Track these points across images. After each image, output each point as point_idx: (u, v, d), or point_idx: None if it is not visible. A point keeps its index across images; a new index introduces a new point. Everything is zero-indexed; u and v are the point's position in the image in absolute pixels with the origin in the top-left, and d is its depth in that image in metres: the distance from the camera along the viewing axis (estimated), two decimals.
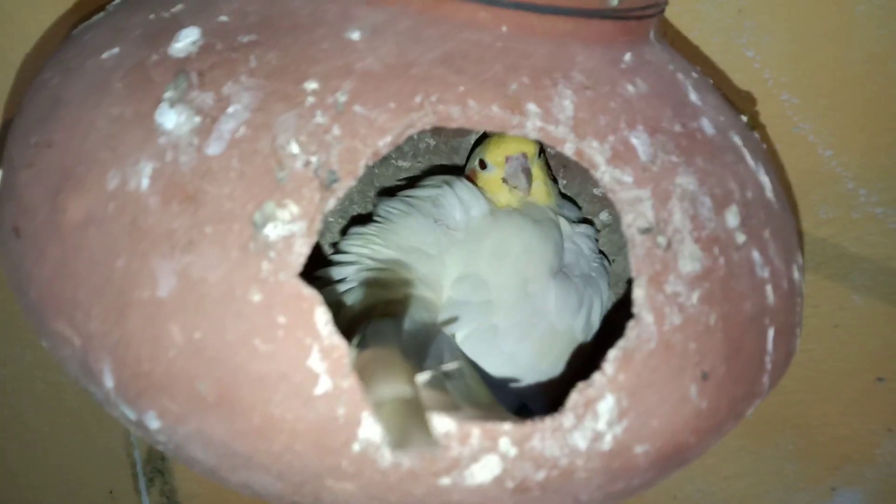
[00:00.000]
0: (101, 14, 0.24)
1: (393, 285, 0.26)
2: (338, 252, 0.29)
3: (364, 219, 0.33)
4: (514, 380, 0.26)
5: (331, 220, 0.34)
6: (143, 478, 0.55)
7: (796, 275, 0.23)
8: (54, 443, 0.56)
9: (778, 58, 0.42)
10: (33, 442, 0.55)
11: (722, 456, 0.53)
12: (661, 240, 0.18)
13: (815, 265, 0.47)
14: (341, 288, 0.27)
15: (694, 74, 0.24)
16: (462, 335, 0.26)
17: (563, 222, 0.30)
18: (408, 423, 0.14)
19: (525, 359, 0.26)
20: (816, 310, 0.48)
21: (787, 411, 0.52)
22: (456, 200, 0.29)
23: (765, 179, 0.23)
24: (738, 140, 0.23)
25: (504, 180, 0.29)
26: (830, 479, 0.54)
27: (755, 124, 0.28)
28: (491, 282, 0.27)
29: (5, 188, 0.21)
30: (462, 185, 0.30)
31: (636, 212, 0.18)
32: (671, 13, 0.39)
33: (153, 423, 0.18)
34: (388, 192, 0.34)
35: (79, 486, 0.57)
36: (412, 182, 0.33)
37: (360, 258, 0.28)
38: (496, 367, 0.26)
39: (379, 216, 0.30)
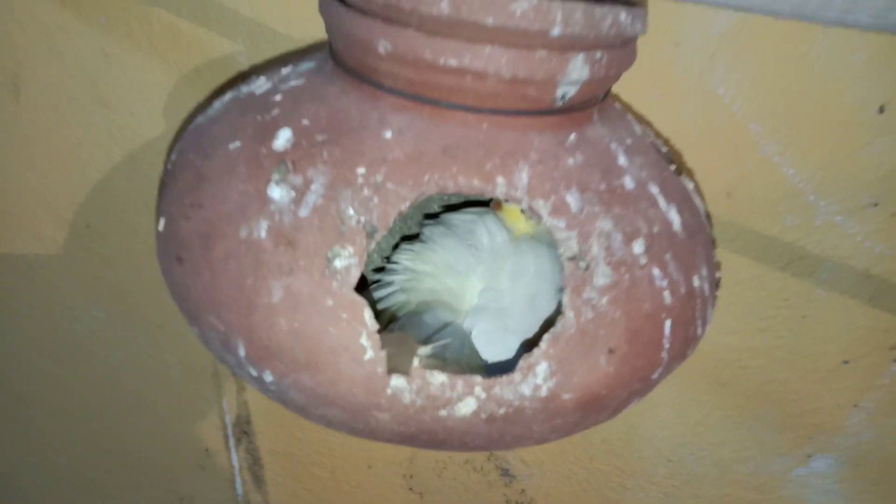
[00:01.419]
0: (220, 107, 0.36)
1: (425, 292, 0.37)
2: (391, 262, 0.40)
3: (414, 237, 0.43)
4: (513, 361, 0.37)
5: (388, 237, 0.45)
6: (232, 438, 0.68)
7: (696, 283, 0.33)
8: (162, 410, 0.68)
9: (745, 93, 0.50)
10: (145, 409, 0.68)
11: (710, 425, 0.62)
12: (582, 264, 0.29)
13: (784, 265, 0.56)
14: (391, 290, 0.38)
15: (629, 141, 0.34)
16: (480, 330, 0.36)
17: None
18: (398, 365, 0.26)
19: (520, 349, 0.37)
20: (786, 303, 0.57)
21: (766, 388, 0.60)
22: (484, 229, 0.40)
23: (674, 217, 0.33)
24: (654, 189, 0.33)
25: (522, 211, 0.39)
26: (806, 446, 0.63)
27: (680, 170, 0.38)
28: (507, 294, 0.37)
29: (169, 231, 0.32)
30: (490, 216, 0.40)
31: (566, 246, 0.29)
32: (653, 58, 0.48)
33: (268, 378, 0.29)
34: (434, 216, 0.44)
35: (181, 444, 0.70)
36: (453, 208, 0.44)
37: (405, 269, 0.39)
38: (503, 353, 0.36)
39: (424, 236, 0.41)
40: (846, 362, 0.59)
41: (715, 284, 0.36)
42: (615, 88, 0.49)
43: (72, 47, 0.51)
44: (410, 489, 0.70)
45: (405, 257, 0.38)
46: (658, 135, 0.48)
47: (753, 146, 0.52)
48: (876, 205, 0.53)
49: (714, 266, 0.36)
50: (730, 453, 0.63)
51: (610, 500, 0.68)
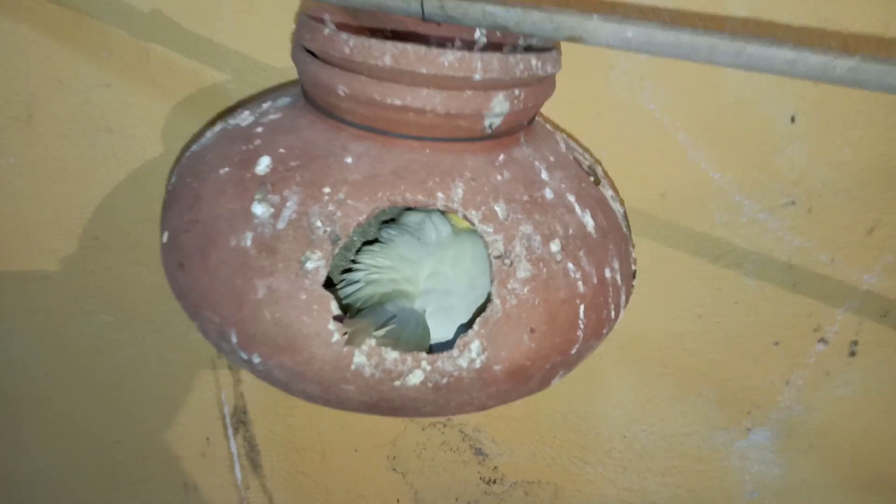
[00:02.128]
0: (211, 137, 0.43)
1: (386, 283, 0.44)
2: (356, 262, 0.47)
3: (375, 241, 0.51)
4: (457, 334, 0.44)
5: (355, 239, 0.52)
6: (231, 427, 0.75)
7: (608, 275, 0.40)
8: (165, 404, 0.75)
9: (672, 108, 0.57)
10: (150, 404, 0.75)
11: (657, 403, 0.70)
12: (507, 261, 0.36)
13: (715, 258, 0.63)
14: (358, 286, 0.45)
15: (552, 158, 0.41)
16: (430, 310, 0.43)
17: None
18: (355, 341, 0.33)
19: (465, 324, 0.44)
20: (719, 291, 0.64)
21: (704, 368, 0.67)
22: (431, 225, 0.47)
23: (588, 220, 0.40)
24: (571, 198, 0.40)
25: None
26: (744, 420, 0.70)
27: (598, 181, 0.45)
28: (451, 277, 0.45)
29: (171, 242, 0.39)
30: (436, 214, 0.47)
31: (493, 247, 0.36)
32: (590, 81, 0.55)
33: (256, 360, 0.36)
34: (391, 221, 0.52)
35: (184, 434, 0.76)
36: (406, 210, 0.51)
37: (367, 266, 0.46)
38: (449, 329, 0.43)
39: (381, 237, 0.48)
40: (777, 343, 0.66)
41: (629, 276, 0.43)
42: (558, 109, 0.56)
43: (78, 79, 0.58)
44: (394, 469, 0.77)
45: (366, 256, 0.45)
46: (586, 149, 0.55)
47: (682, 154, 0.59)
48: (793, 203, 0.60)
49: (628, 260, 0.43)
50: (677, 428, 0.71)
51: (573, 473, 0.75)
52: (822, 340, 0.65)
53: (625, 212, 0.47)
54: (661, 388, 0.69)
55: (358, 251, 0.49)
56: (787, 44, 0.33)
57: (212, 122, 0.50)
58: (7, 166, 0.62)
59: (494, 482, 0.77)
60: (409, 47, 0.33)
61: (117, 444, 0.77)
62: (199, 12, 0.55)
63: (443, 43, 0.46)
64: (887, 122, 0.55)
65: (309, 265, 0.35)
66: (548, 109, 0.55)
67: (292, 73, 0.56)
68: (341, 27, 0.44)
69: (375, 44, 0.34)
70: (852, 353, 0.66)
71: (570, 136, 0.55)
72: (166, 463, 0.77)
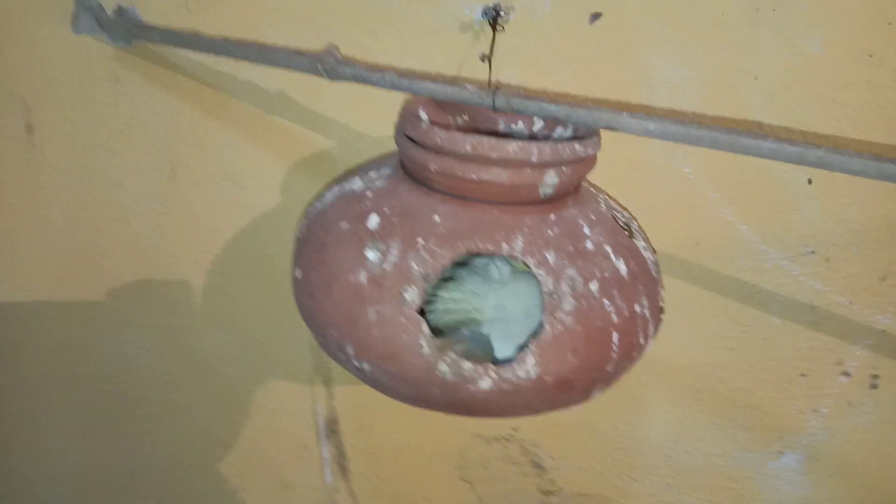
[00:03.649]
0: (330, 198, 0.56)
1: (458, 312, 0.56)
2: (436, 295, 0.59)
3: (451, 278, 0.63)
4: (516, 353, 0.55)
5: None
6: (324, 436, 0.87)
7: (637, 309, 0.51)
8: (269, 411, 0.88)
9: (704, 170, 0.68)
10: (255, 411, 0.88)
11: (693, 426, 0.79)
12: (555, 296, 0.47)
13: (743, 298, 0.73)
14: (438, 312, 0.57)
15: (593, 217, 0.53)
16: (495, 334, 0.55)
17: None
18: (440, 354, 0.45)
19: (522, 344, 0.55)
20: (748, 328, 0.74)
21: (736, 396, 0.76)
22: (495, 267, 0.58)
23: (622, 266, 0.51)
24: (608, 248, 0.51)
25: None
26: (776, 443, 0.78)
27: (631, 234, 0.56)
28: (510, 309, 0.56)
29: (303, 278, 0.52)
30: (498, 258, 0.59)
31: (545, 285, 0.48)
32: (631, 148, 0.66)
33: (366, 367, 0.49)
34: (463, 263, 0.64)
35: (284, 440, 0.89)
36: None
37: (445, 299, 0.58)
38: (510, 349, 0.55)
39: (455, 276, 0.60)
40: (803, 375, 0.74)
41: (657, 311, 0.54)
42: (605, 171, 0.67)
43: (214, 142, 0.73)
44: (462, 479, 0.88)
45: (444, 290, 0.57)
46: (624, 208, 0.66)
47: (712, 209, 0.70)
48: (813, 252, 0.69)
49: (656, 299, 0.54)
50: (712, 449, 0.79)
51: (621, 489, 0.84)
52: (845, 373, 0.73)
53: (655, 259, 0.58)
54: (695, 412, 0.78)
55: (438, 286, 0.60)
56: (768, 137, 0.44)
57: (328, 185, 0.64)
58: (153, 211, 0.78)
59: (552, 493, 0.87)
60: (484, 139, 0.46)
61: (224, 447, 0.91)
62: (313, 91, 0.69)
63: (511, 123, 0.59)
64: (888, 186, 0.64)
65: (407, 296, 0.47)
66: (596, 171, 0.67)
67: (386, 141, 0.70)
68: (432, 112, 0.57)
69: (459, 136, 0.46)
70: (873, 386, 0.74)
71: (610, 196, 0.66)
72: (268, 465, 0.90)
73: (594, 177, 0.67)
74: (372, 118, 0.69)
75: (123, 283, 0.81)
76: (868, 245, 0.68)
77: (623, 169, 0.68)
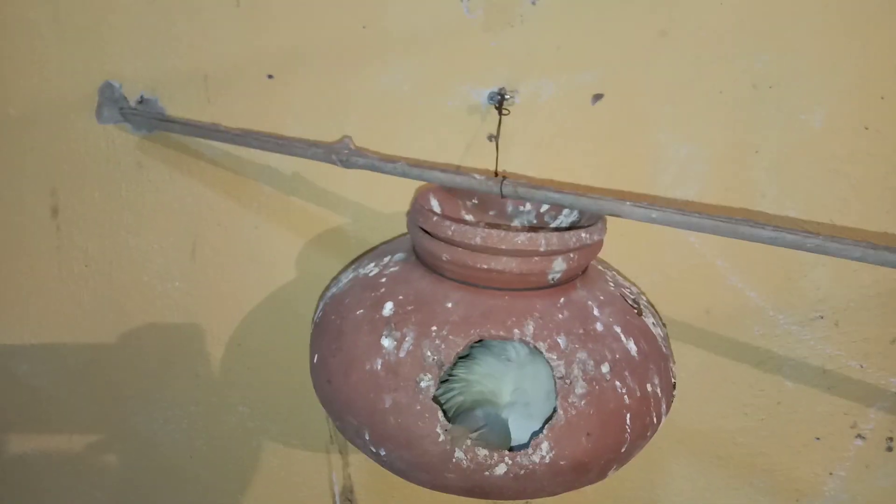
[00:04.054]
0: (346, 283, 0.58)
1: (474, 394, 0.57)
2: (452, 375, 0.60)
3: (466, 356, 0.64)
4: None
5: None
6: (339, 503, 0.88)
7: (649, 389, 0.52)
8: (288, 480, 0.89)
9: (710, 241, 0.69)
10: (275, 479, 0.89)
11: (715, 491, 0.79)
12: (567, 381, 0.49)
13: (756, 363, 0.73)
14: (453, 393, 0.58)
15: (601, 297, 0.54)
16: (514, 416, 0.56)
17: None
18: (456, 441, 0.46)
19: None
20: (763, 392, 0.74)
21: (754, 460, 0.77)
22: (512, 347, 0.60)
23: (632, 346, 0.52)
24: (617, 329, 0.52)
25: None
26: None
27: (640, 312, 0.57)
28: (530, 391, 0.57)
29: (320, 363, 0.54)
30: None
31: (556, 370, 0.49)
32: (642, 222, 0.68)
33: (382, 453, 0.50)
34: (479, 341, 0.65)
35: None
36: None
37: (461, 379, 0.59)
38: (529, 431, 0.55)
39: (472, 355, 0.61)
40: (818, 439, 0.75)
41: (669, 388, 0.55)
42: (616, 243, 0.68)
43: (234, 222, 0.75)
44: None
45: (461, 370, 0.58)
46: (632, 283, 0.67)
47: (722, 277, 0.71)
48: (822, 317, 0.70)
49: (668, 375, 0.55)
50: None
51: None
52: (860, 436, 0.73)
53: (665, 334, 0.59)
54: (716, 477, 0.78)
55: (453, 365, 0.62)
56: (766, 225, 0.45)
57: (344, 269, 0.66)
58: (173, 289, 0.80)
59: None
60: (494, 232, 0.48)
61: None
62: (329, 175, 0.72)
63: (519, 205, 0.61)
64: None
65: (422, 384, 0.48)
66: (608, 244, 0.69)
67: (397, 217, 0.72)
68: (443, 197, 0.60)
69: (469, 229, 0.48)
70: (889, 449, 0.74)
71: (618, 272, 0.67)
72: None
73: (603, 249, 0.69)
74: (384, 196, 0.72)
75: (150, 361, 0.83)
76: (878, 309, 0.69)
77: (631, 241, 0.69)
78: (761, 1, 0.62)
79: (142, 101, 0.71)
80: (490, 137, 0.68)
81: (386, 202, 0.72)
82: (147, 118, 0.69)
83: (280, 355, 0.81)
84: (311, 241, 0.76)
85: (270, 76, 0.68)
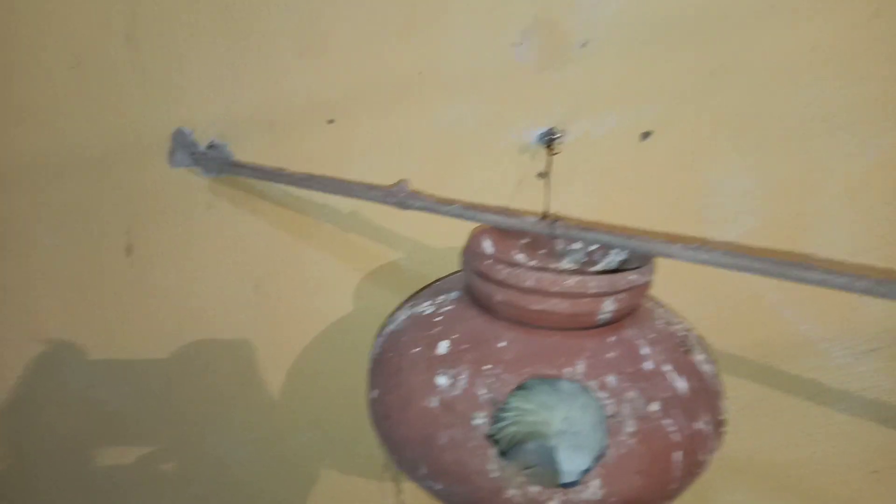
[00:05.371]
0: (402, 320, 0.60)
1: (527, 424, 0.59)
2: (506, 405, 0.62)
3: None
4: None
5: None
6: None
7: (698, 427, 0.53)
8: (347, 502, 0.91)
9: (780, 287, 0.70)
10: (337, 501, 0.92)
11: None
12: (618, 419, 0.50)
13: (810, 396, 0.73)
14: (506, 423, 0.60)
15: (651, 336, 0.55)
16: (565, 446, 0.58)
17: None
18: (509, 478, 0.48)
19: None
20: (817, 425, 0.74)
21: (811, 492, 0.76)
22: (564, 379, 0.62)
23: (681, 384, 0.53)
24: (667, 367, 0.54)
25: None
26: None
27: (688, 350, 0.58)
28: (580, 420, 0.59)
29: (379, 399, 0.57)
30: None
31: (607, 408, 0.50)
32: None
33: (438, 487, 0.52)
34: None
35: None
36: None
37: (514, 408, 0.61)
38: (577, 461, 0.57)
39: (526, 384, 0.63)
40: (874, 472, 0.74)
41: (719, 425, 0.56)
42: (673, 282, 0.69)
43: (296, 258, 0.79)
44: None
45: (514, 400, 0.60)
46: (682, 319, 0.68)
47: (774, 310, 0.71)
48: (875, 350, 0.70)
49: (718, 412, 0.56)
50: None
51: None
52: None
53: (715, 371, 0.60)
54: None
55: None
56: (816, 268, 0.46)
57: (400, 306, 0.68)
58: (239, 321, 0.84)
59: None
60: (545, 274, 0.50)
61: None
62: (385, 213, 0.75)
63: (569, 244, 0.63)
64: None
65: (476, 422, 0.51)
66: (661, 278, 0.70)
67: (449, 253, 0.75)
68: (496, 237, 0.62)
69: (522, 272, 0.50)
70: None
71: (667, 308, 0.69)
72: None
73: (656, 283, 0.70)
74: (438, 233, 0.74)
75: (220, 387, 0.87)
76: None
77: (683, 275, 0.70)
78: (806, 44, 0.63)
79: (212, 145, 0.75)
80: (540, 176, 0.70)
81: (440, 239, 0.75)
82: (217, 162, 0.73)
83: (338, 383, 0.84)
84: (367, 275, 0.79)
85: (331, 121, 0.72)
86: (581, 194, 0.71)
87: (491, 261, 0.53)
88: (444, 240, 0.75)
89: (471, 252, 0.56)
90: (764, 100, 0.65)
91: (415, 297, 0.65)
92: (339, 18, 0.69)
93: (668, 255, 0.52)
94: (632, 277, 0.51)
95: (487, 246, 0.60)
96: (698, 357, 0.58)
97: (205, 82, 0.73)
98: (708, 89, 0.65)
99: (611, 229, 0.53)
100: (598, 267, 0.64)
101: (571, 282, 0.50)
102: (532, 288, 0.51)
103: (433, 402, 0.52)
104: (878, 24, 0.61)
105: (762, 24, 0.63)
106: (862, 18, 0.61)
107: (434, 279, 0.74)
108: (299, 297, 0.81)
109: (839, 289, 0.47)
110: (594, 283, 0.50)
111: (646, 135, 0.68)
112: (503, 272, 0.52)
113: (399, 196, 0.62)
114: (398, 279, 0.78)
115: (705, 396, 0.55)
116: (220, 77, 0.73)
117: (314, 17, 0.69)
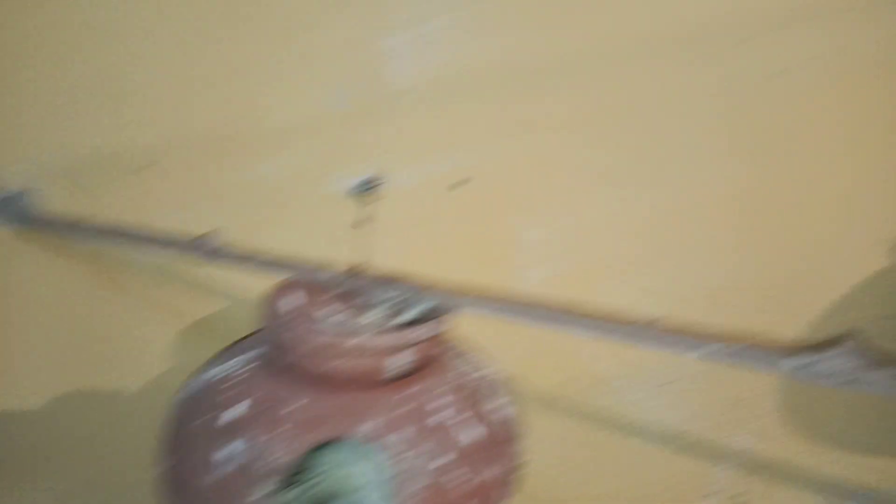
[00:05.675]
0: (195, 387, 0.59)
1: (330, 482, 0.59)
2: (304, 467, 0.61)
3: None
4: None
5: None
6: None
7: (489, 475, 0.54)
8: None
9: None
10: None
11: None
12: (403, 477, 0.51)
13: (613, 429, 0.77)
14: (311, 483, 0.59)
15: (442, 388, 0.57)
16: (374, 498, 0.57)
17: None
18: None
19: None
20: (618, 458, 0.77)
21: None
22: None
23: (467, 437, 0.55)
24: (454, 420, 0.55)
25: None
26: None
27: (483, 398, 0.60)
28: (377, 479, 0.58)
29: (165, 474, 0.55)
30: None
31: (389, 468, 0.51)
32: None
33: None
34: None
35: None
36: None
37: (316, 468, 0.60)
38: None
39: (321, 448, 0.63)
40: (675, 502, 0.79)
41: (512, 471, 0.58)
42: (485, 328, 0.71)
43: (111, 315, 0.75)
44: None
45: (316, 460, 0.59)
46: (489, 363, 0.71)
47: (575, 351, 0.75)
48: (670, 382, 0.75)
49: (510, 459, 0.58)
50: None
51: None
52: (707, 496, 0.78)
53: (515, 414, 0.62)
54: None
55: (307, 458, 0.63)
56: (590, 319, 0.49)
57: (194, 373, 0.67)
58: (54, 387, 0.79)
59: None
60: (329, 334, 0.50)
61: None
62: (197, 266, 0.73)
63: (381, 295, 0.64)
64: None
65: (267, 488, 0.50)
66: (478, 326, 0.71)
67: None
68: (307, 293, 0.62)
69: (310, 332, 0.51)
70: None
71: (474, 352, 0.71)
72: None
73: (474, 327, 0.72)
74: (253, 284, 0.74)
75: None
76: (724, 373, 0.74)
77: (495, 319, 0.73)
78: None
79: (13, 195, 0.72)
80: (356, 226, 0.71)
81: (256, 289, 0.74)
82: (16, 213, 0.70)
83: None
84: (182, 330, 0.77)
85: (144, 168, 0.70)
86: (398, 243, 0.72)
87: (284, 319, 0.53)
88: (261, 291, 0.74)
89: (266, 309, 0.56)
90: (557, 155, 0.69)
91: (213, 359, 0.64)
92: (151, 70, 0.68)
93: (459, 307, 0.54)
94: (419, 332, 0.53)
95: (283, 303, 0.60)
96: (493, 404, 0.60)
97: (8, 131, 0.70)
98: (515, 141, 0.69)
99: (421, 275, 0.55)
100: (405, 317, 0.65)
101: (353, 342, 0.51)
102: (320, 347, 0.51)
103: (220, 475, 0.51)
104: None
105: (566, 82, 0.68)
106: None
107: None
108: (110, 354, 0.78)
109: (612, 337, 0.50)
110: (377, 342, 0.51)
111: (456, 185, 0.70)
112: (295, 331, 0.52)
113: (206, 248, 0.61)
114: (214, 332, 0.76)
115: (496, 445, 0.57)
116: (27, 125, 0.69)
117: (124, 68, 0.68)
